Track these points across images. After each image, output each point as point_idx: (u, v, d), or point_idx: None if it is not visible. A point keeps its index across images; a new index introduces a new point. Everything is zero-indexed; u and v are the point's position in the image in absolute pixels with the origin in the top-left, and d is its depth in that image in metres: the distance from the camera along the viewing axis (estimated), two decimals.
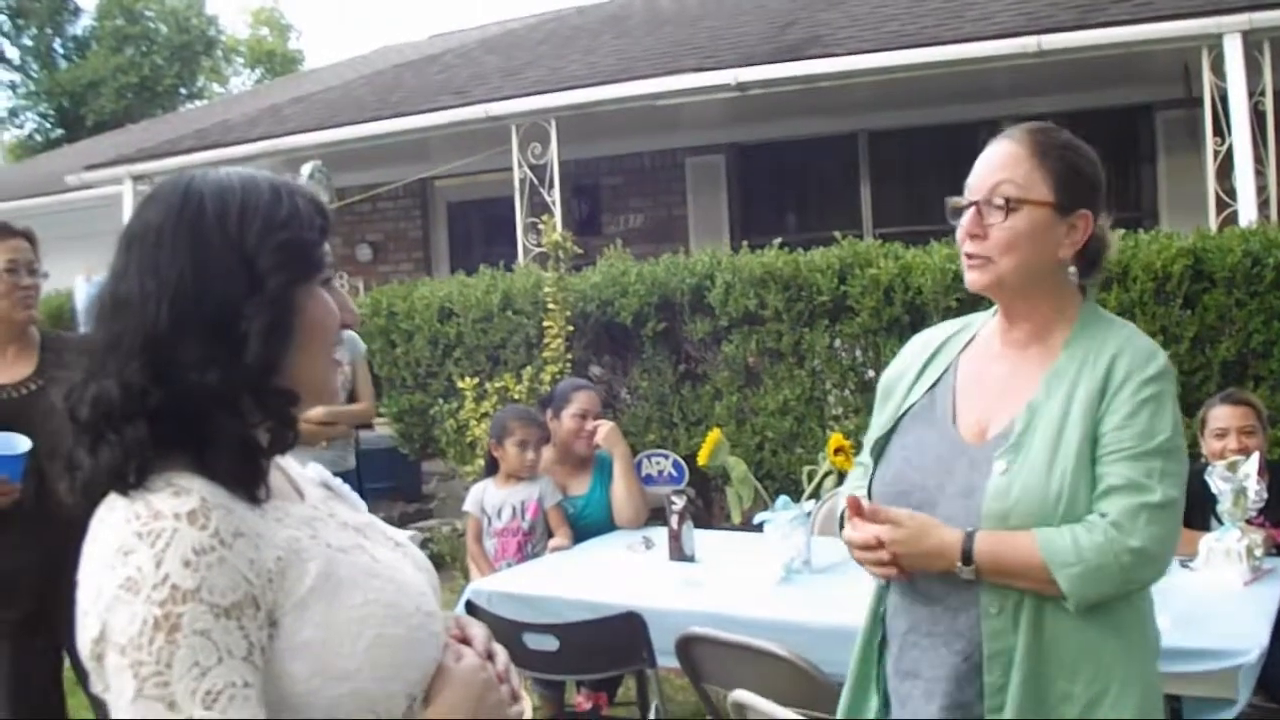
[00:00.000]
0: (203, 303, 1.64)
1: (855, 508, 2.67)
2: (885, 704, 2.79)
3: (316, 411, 5.90)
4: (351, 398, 6.49)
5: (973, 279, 2.68)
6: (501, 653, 1.91)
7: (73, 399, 1.67)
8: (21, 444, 3.96)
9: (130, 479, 1.59)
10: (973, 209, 2.65)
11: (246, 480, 1.65)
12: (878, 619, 2.82)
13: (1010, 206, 2.60)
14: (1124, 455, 2.47)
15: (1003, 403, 2.67)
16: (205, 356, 1.62)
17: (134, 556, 1.53)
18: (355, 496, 2.01)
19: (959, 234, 2.69)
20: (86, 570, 1.60)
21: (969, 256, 2.67)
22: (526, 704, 1.91)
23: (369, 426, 8.73)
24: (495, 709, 1.79)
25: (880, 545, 2.60)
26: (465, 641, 1.87)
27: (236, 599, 1.54)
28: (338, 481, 2.02)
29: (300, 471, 1.92)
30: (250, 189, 1.73)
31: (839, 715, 2.90)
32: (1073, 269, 2.69)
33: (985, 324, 2.87)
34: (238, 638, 1.53)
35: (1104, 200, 2.71)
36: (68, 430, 1.68)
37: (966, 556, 2.51)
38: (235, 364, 1.64)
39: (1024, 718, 2.49)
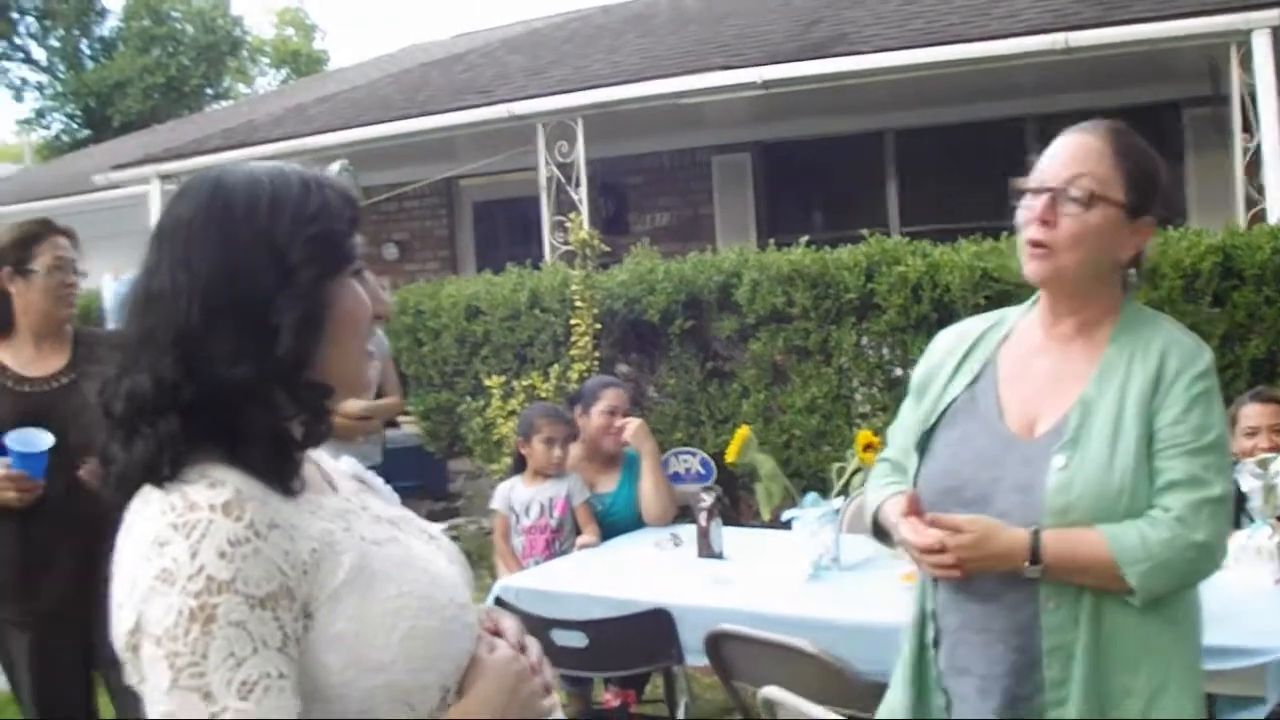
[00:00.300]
0: (234, 297, 1.64)
1: (913, 507, 2.67)
2: (946, 704, 2.77)
3: (354, 406, 5.99)
4: (379, 394, 6.57)
5: (1034, 268, 2.66)
6: (534, 645, 1.91)
7: (107, 394, 1.68)
8: (44, 440, 3.98)
9: (165, 471, 1.60)
10: (1047, 195, 2.63)
11: (280, 473, 1.66)
12: (927, 616, 2.80)
13: (1089, 201, 2.59)
14: (1182, 451, 2.49)
15: (1051, 397, 2.67)
16: (237, 350, 1.62)
17: (170, 548, 1.53)
18: (388, 490, 2.01)
19: (1023, 216, 2.67)
20: (121, 562, 1.61)
21: (1033, 244, 2.64)
22: (556, 698, 1.92)
23: (394, 424, 8.75)
24: (529, 701, 1.79)
25: (943, 549, 2.59)
26: (498, 634, 1.87)
27: (271, 590, 1.54)
28: (370, 474, 2.03)
29: (333, 465, 1.93)
30: (279, 182, 1.73)
31: (894, 715, 2.88)
32: (1131, 271, 2.70)
33: (1023, 317, 2.86)
34: (273, 629, 1.54)
35: (1162, 204, 2.71)
36: (100, 424, 1.70)
37: (1034, 556, 2.51)
38: (267, 357, 1.64)
39: (1087, 714, 2.50)
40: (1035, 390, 2.70)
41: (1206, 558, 2.51)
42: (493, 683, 1.75)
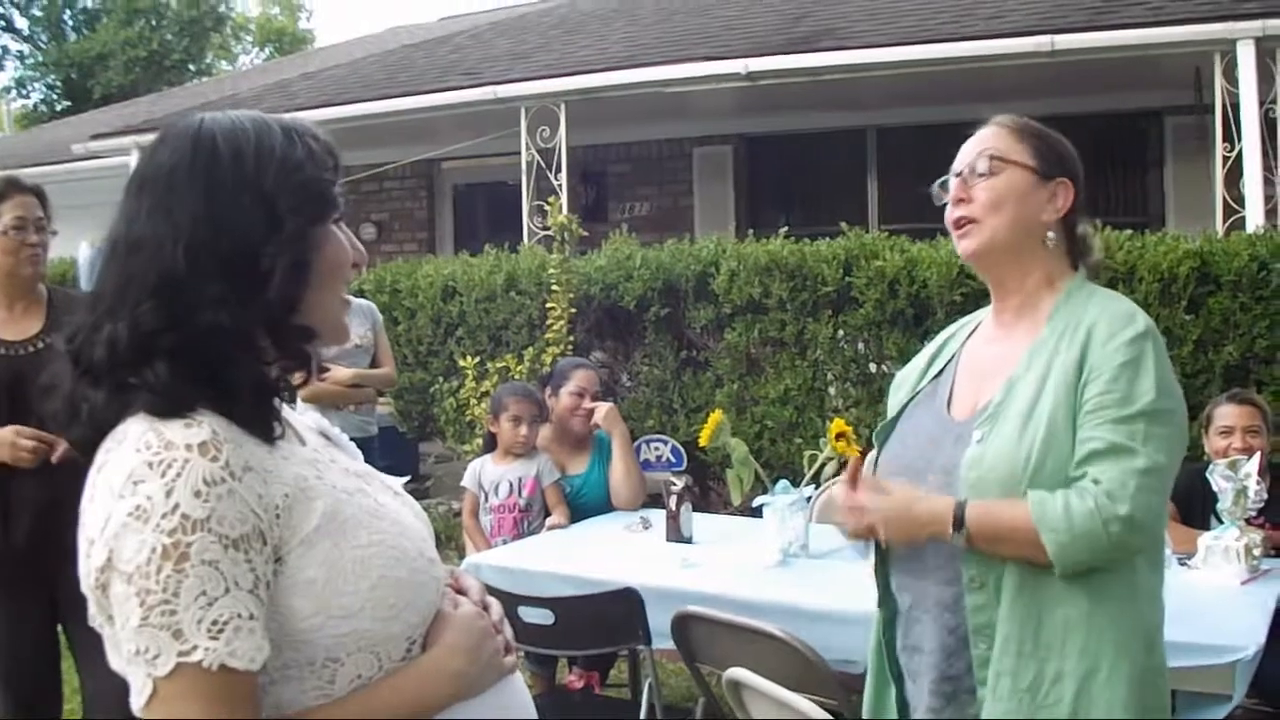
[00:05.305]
0: (219, 243, 1.65)
1: (854, 472, 2.73)
2: (900, 681, 2.82)
3: (344, 374, 6.19)
4: (372, 364, 6.67)
5: (964, 246, 2.76)
6: (495, 605, 1.94)
7: (79, 340, 1.68)
8: None
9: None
10: (958, 180, 2.75)
11: (260, 418, 1.67)
12: (889, 595, 2.85)
13: (993, 169, 2.71)
14: (1106, 419, 2.47)
15: (991, 379, 2.72)
16: (222, 296, 1.64)
17: (144, 485, 1.53)
18: (353, 446, 2.02)
19: (947, 210, 2.77)
20: (93, 499, 1.61)
21: (957, 224, 2.75)
22: (515, 658, 1.92)
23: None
24: (491, 658, 1.82)
25: (864, 508, 2.67)
26: (461, 593, 1.90)
27: (245, 532, 1.55)
28: (336, 431, 2.04)
29: (299, 419, 1.92)
30: (263, 131, 1.75)
31: (865, 694, 2.92)
32: (1051, 234, 2.73)
33: (988, 313, 2.93)
34: (244, 570, 1.55)
35: (1082, 183, 2.78)
36: (69, 376, 1.69)
37: (958, 522, 2.53)
38: (254, 303, 1.66)
39: (1015, 695, 2.50)
40: (980, 376, 2.76)
41: (1132, 532, 2.43)
42: (459, 637, 1.77)
